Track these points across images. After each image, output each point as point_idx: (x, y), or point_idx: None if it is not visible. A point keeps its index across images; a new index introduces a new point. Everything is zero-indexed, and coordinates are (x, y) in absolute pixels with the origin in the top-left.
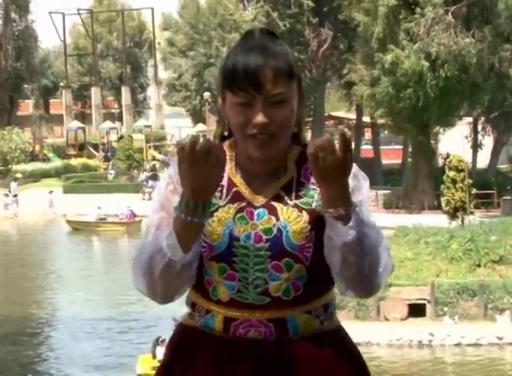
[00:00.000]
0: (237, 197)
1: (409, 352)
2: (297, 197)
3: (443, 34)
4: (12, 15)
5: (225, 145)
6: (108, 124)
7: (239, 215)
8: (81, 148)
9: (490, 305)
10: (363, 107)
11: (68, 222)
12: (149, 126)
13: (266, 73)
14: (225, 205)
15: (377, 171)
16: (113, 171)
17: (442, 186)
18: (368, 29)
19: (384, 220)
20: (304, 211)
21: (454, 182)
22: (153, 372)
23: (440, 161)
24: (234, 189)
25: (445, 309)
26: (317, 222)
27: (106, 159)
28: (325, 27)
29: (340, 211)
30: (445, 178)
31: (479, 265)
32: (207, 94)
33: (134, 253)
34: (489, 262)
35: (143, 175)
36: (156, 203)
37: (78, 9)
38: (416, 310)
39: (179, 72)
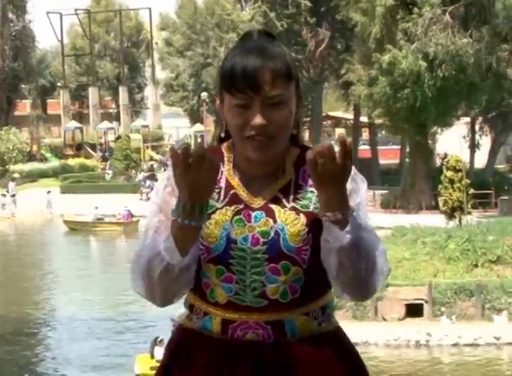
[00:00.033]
0: (235, 200)
1: (407, 352)
2: (295, 200)
3: (441, 34)
4: (10, 15)
5: (223, 147)
6: (105, 124)
7: (236, 218)
8: (79, 148)
9: (487, 305)
10: (361, 107)
11: (65, 222)
12: (146, 126)
13: (264, 74)
14: (222, 207)
15: (375, 171)
16: (110, 172)
17: (440, 186)
18: (365, 29)
19: (381, 220)
20: (301, 214)
21: (452, 182)
22: (152, 372)
23: (438, 161)
24: (232, 191)
25: (443, 309)
26: (314, 225)
27: (104, 159)
28: (322, 27)
29: (337, 216)
30: (442, 178)
31: (476, 266)
32: (204, 94)
33: (133, 256)
34: (487, 262)
35: (141, 175)
36: (154, 205)
37: (76, 9)
38: (414, 310)
39: (177, 72)
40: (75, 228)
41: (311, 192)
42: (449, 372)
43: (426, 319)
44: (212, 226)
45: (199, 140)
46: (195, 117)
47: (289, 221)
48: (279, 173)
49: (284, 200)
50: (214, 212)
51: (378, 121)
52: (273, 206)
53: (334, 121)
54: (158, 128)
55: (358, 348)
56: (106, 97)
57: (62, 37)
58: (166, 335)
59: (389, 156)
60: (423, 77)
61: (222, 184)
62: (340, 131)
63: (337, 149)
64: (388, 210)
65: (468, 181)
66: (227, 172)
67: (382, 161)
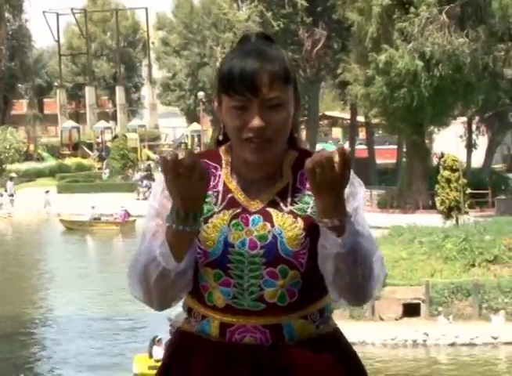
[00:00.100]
0: (232, 203)
1: (404, 351)
2: (293, 203)
3: (437, 34)
4: (6, 14)
5: (221, 150)
6: (102, 123)
7: (234, 222)
8: (76, 147)
9: (484, 305)
10: (357, 107)
11: (62, 221)
12: (143, 126)
13: (262, 77)
14: (220, 211)
15: (372, 170)
16: (107, 171)
17: (437, 186)
18: (362, 29)
19: (378, 220)
20: (299, 218)
21: (448, 181)
22: (150, 371)
23: (434, 161)
24: (229, 195)
25: (440, 308)
26: (312, 229)
27: (101, 158)
28: (319, 26)
29: (334, 222)
30: (439, 177)
31: (473, 265)
32: (201, 93)
33: (130, 261)
34: (484, 261)
35: (138, 175)
36: (151, 209)
37: (72, 9)
38: (411, 310)
39: (173, 71)
40: (72, 227)
41: (309, 195)
42: (446, 372)
43: (423, 319)
44: (210, 230)
45: (196, 139)
46: (192, 116)
47: (286, 225)
48: (277, 176)
49: (282, 204)
50: (211, 216)
51: (375, 121)
52: (271, 210)
53: (331, 121)
54: (155, 127)
55: (356, 348)
56: (102, 96)
57: (58, 37)
58: (163, 334)
59: (386, 155)
60: (420, 77)
61: (220, 188)
62: (336, 130)
63: (336, 159)
64: (385, 210)
65: (465, 180)
66: (225, 176)
67: (379, 161)
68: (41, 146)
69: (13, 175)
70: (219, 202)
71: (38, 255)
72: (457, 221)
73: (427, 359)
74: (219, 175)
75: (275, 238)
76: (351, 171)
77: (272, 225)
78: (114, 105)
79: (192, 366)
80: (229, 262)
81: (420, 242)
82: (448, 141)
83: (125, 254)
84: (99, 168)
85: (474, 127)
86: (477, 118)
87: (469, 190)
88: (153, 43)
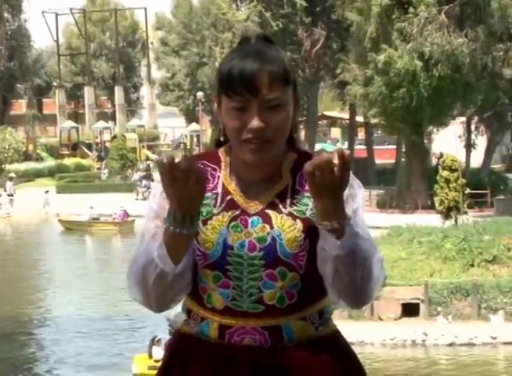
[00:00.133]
0: (231, 205)
1: (403, 351)
2: (292, 205)
3: (436, 34)
4: (5, 14)
5: (220, 151)
6: (101, 123)
7: (233, 224)
8: (75, 148)
9: (484, 305)
10: (356, 107)
11: (60, 221)
12: (142, 126)
13: (262, 77)
14: (219, 213)
15: (371, 170)
16: (106, 171)
17: (436, 186)
18: (361, 28)
19: (377, 220)
20: (298, 220)
21: (447, 181)
22: (150, 372)
23: (433, 161)
24: (228, 197)
25: (439, 308)
26: (311, 231)
27: (100, 159)
28: (318, 26)
29: (334, 225)
30: (438, 177)
31: (473, 265)
32: (200, 94)
33: (129, 262)
34: (483, 261)
35: (137, 175)
36: (151, 211)
37: (71, 9)
38: (410, 310)
39: (172, 72)
40: (70, 227)
41: (308, 197)
42: (445, 372)
43: (422, 319)
44: (209, 232)
45: (194, 140)
46: (190, 116)
47: (285, 227)
48: (276, 178)
49: (281, 206)
50: (210, 218)
51: (374, 121)
52: (270, 212)
53: (330, 121)
54: (154, 127)
55: (354, 348)
56: (101, 97)
57: (57, 37)
58: (163, 335)
59: (385, 155)
60: (419, 77)
61: (219, 190)
62: (335, 130)
63: (335, 161)
64: (384, 210)
65: (464, 181)
66: (224, 177)
67: (378, 161)
68: (40, 147)
69: (12, 175)
70: (218, 204)
71: (37, 255)
72: (456, 221)
73: (426, 359)
74: (218, 177)
75: (274, 240)
76: (351, 173)
77: (271, 227)
78: (113, 105)
79: (192, 368)
80: (228, 264)
81: (419, 242)
82: (448, 141)
83: (124, 255)
84: (98, 168)
85: (473, 127)
86: (476, 118)
87: (468, 190)
88: (152, 43)
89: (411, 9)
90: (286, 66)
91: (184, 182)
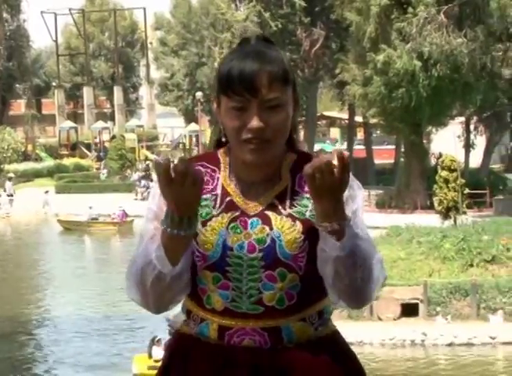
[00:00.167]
0: (231, 207)
1: (402, 351)
2: (291, 206)
3: (435, 34)
4: (4, 14)
5: (220, 152)
6: (100, 123)
7: (232, 225)
8: (74, 148)
9: (483, 305)
10: (355, 107)
11: (59, 221)
12: (141, 126)
13: (261, 77)
14: (218, 215)
15: (370, 170)
16: (105, 171)
17: (435, 186)
18: (360, 28)
19: (376, 220)
20: (297, 221)
21: (446, 181)
22: (150, 372)
23: (432, 161)
24: (228, 198)
25: (438, 308)
26: (310, 232)
27: (99, 159)
28: (317, 26)
29: (334, 226)
30: (437, 177)
31: (472, 265)
32: (199, 94)
33: (128, 264)
34: (482, 261)
35: (136, 175)
36: (150, 211)
37: (70, 9)
38: (409, 310)
39: (171, 72)
40: (69, 228)
41: (308, 199)
42: (444, 372)
43: (421, 319)
44: (208, 233)
45: (193, 140)
46: (190, 116)
47: (285, 228)
48: (276, 179)
49: (280, 207)
50: (210, 219)
51: (373, 121)
52: (269, 213)
53: (329, 121)
54: (153, 127)
55: (354, 348)
56: (100, 97)
57: (56, 37)
58: (162, 335)
59: (384, 156)
60: (418, 77)
61: (218, 191)
62: (334, 130)
63: (335, 162)
64: (383, 210)
65: (463, 181)
66: (223, 179)
67: (377, 161)
68: (39, 147)
69: (11, 175)
70: (217, 205)
71: (36, 255)
72: (455, 221)
73: (425, 359)
74: (217, 178)
75: (273, 241)
76: (350, 174)
77: (271, 229)
78: (112, 105)
79: (192, 369)
80: (228, 266)
81: (418, 242)
82: (447, 141)
83: (123, 255)
84: (97, 169)
85: (472, 127)
86: (475, 118)
87: (467, 190)
88: (151, 43)
89: (410, 9)
90: (285, 67)
91: (180, 184)
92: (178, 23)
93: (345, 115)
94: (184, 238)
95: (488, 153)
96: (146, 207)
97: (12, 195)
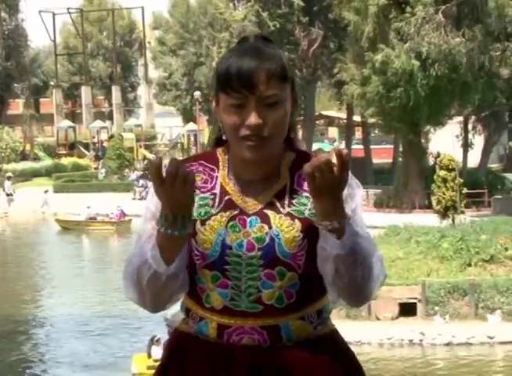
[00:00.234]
0: (229, 205)
1: (400, 351)
2: (290, 205)
3: (433, 34)
4: (2, 14)
5: (218, 151)
6: (98, 123)
7: (231, 223)
8: (72, 147)
9: (481, 305)
10: (354, 106)
11: (57, 221)
12: (139, 125)
13: (259, 74)
14: (217, 213)
15: (368, 170)
16: (103, 171)
17: (433, 186)
18: (358, 28)
19: (374, 219)
20: (296, 220)
21: (445, 181)
22: (149, 371)
23: (431, 160)
24: (226, 197)
25: (436, 308)
26: (309, 231)
27: (97, 158)
28: (315, 26)
29: (334, 225)
30: (435, 177)
31: (470, 265)
32: (197, 93)
33: (125, 263)
34: (480, 261)
35: (134, 175)
36: (148, 211)
37: (68, 8)
38: (407, 309)
39: (170, 71)
40: (67, 227)
41: (307, 197)
42: (443, 371)
43: (419, 319)
44: (207, 232)
45: (192, 139)
46: (188, 116)
47: (284, 227)
48: (275, 178)
49: (279, 206)
50: (209, 218)
51: (371, 120)
52: (268, 211)
53: (327, 120)
54: (151, 127)
55: (352, 348)
56: (98, 96)
57: (54, 36)
58: (161, 334)
59: (382, 155)
60: (416, 77)
61: (217, 190)
62: (333, 130)
63: (334, 160)
64: (382, 209)
65: (461, 180)
66: (222, 178)
67: (375, 161)
68: (37, 146)
69: (10, 174)
70: (216, 204)
71: (34, 255)
72: (453, 220)
73: (423, 358)
74: (216, 177)
75: (272, 240)
76: (349, 172)
77: (270, 227)
78: (110, 104)
79: (190, 367)
80: (227, 264)
81: (417, 241)
82: (445, 140)
83: (121, 254)
84: (96, 168)
85: (470, 126)
86: (473, 118)
87: (465, 190)
88: (149, 43)
89: (408, 9)
90: (284, 64)
91: (171, 184)
92: (177, 22)
93: (343, 115)
94: (178, 238)
95: (486, 152)
96: (145, 207)
97: (11, 194)
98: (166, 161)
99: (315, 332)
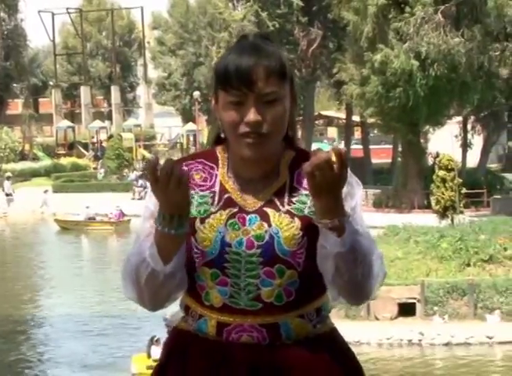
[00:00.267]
0: (229, 203)
1: (399, 351)
2: (290, 203)
3: (432, 34)
4: (1, 14)
5: (218, 150)
6: (98, 123)
7: (230, 221)
8: (71, 147)
9: (480, 305)
10: (353, 106)
11: (56, 221)
12: (138, 125)
13: (258, 71)
14: (216, 211)
15: (367, 170)
16: (102, 171)
17: (432, 186)
18: (357, 28)
19: (374, 219)
20: (296, 218)
21: (444, 181)
22: (148, 371)
23: (430, 160)
24: (226, 195)
25: (435, 308)
26: (309, 229)
27: (96, 158)
28: (314, 26)
29: (334, 223)
30: (434, 177)
31: (469, 265)
32: (196, 93)
33: (123, 262)
34: (479, 261)
35: (133, 175)
36: (147, 210)
37: (67, 8)
38: (406, 309)
39: (169, 71)
40: (66, 227)
41: (306, 195)
42: (441, 371)
43: (418, 319)
44: (207, 230)
45: (191, 139)
46: (187, 116)
47: (283, 224)
48: (274, 176)
49: (279, 204)
50: (208, 216)
51: (370, 120)
52: (268, 209)
53: (326, 120)
54: (150, 127)
55: (351, 348)
56: (98, 96)
57: (54, 36)
58: (160, 334)
59: (381, 155)
60: (415, 77)
61: (217, 188)
62: (332, 130)
63: (333, 159)
64: (381, 209)
65: (460, 180)
66: (221, 176)
67: (374, 160)
68: (36, 146)
69: (9, 174)
70: (216, 202)
71: (33, 255)
72: (452, 220)
73: (422, 358)
74: (216, 175)
75: (272, 238)
76: (349, 171)
77: (269, 225)
78: (110, 104)
79: (190, 366)
80: (226, 262)
81: (416, 241)
82: (444, 140)
83: (120, 254)
84: (95, 168)
85: (469, 126)
86: (472, 118)
87: (464, 190)
88: (148, 43)
89: (407, 9)
90: (283, 62)
91: (166, 184)
92: (176, 22)
93: (343, 115)
94: (176, 237)
95: (485, 152)
96: (144, 206)
97: (11, 194)
98: (163, 161)
99: (315, 330)
